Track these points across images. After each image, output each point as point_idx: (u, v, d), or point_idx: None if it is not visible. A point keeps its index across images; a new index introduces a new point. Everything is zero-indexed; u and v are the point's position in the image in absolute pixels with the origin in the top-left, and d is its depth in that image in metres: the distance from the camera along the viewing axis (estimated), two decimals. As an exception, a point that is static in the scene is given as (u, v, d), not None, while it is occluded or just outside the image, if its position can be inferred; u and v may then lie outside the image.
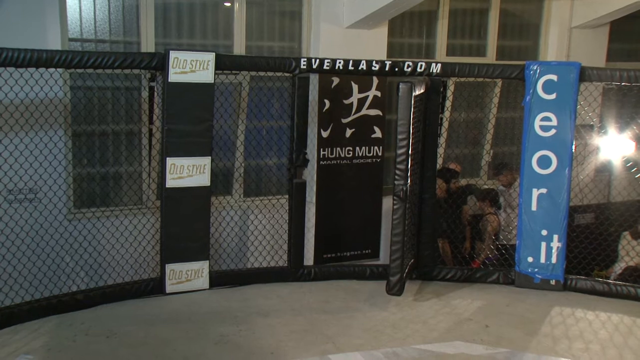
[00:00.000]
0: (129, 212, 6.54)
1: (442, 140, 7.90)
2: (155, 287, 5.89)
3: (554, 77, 6.19)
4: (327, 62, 6.19)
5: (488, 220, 7.45)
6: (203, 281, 6.04)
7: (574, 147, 6.24)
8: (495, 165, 8.10)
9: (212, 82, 5.81)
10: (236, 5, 7.13)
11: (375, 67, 6.31)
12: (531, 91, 6.24)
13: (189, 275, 5.96)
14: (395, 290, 5.64)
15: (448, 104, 7.99)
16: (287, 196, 6.49)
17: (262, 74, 6.54)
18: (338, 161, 7.03)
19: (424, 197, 6.47)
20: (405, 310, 5.71)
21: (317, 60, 6.17)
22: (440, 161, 7.08)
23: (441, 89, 6.60)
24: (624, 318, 5.66)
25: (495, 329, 5.36)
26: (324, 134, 6.94)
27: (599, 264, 6.84)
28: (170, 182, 5.76)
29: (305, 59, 6.15)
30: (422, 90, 5.86)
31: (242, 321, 5.36)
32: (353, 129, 7.08)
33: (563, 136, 6.19)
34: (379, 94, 7.19)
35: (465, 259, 7.29)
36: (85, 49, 6.56)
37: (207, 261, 6.04)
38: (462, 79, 7.42)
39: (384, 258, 7.22)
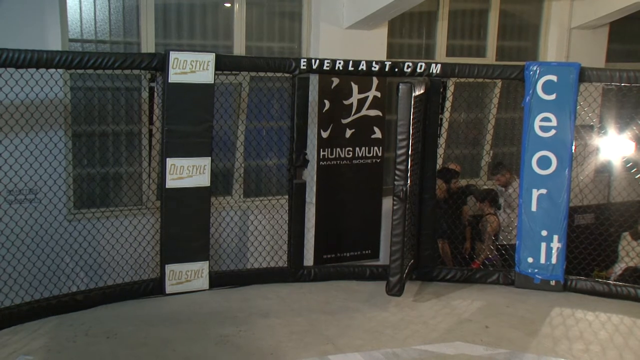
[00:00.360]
0: (129, 213, 6.54)
1: (442, 141, 7.91)
2: (155, 287, 5.89)
3: (554, 78, 6.19)
4: (327, 63, 6.19)
5: (488, 220, 7.45)
6: (203, 282, 6.03)
7: (573, 147, 6.24)
8: (493, 166, 8.11)
9: (212, 82, 5.81)
10: (236, 5, 7.14)
11: (375, 67, 6.31)
12: (531, 92, 6.24)
13: (188, 276, 5.96)
14: (395, 290, 5.64)
15: (448, 104, 7.99)
16: (287, 197, 6.49)
17: (262, 74, 6.54)
18: (338, 162, 7.04)
19: (424, 198, 6.47)
20: (405, 310, 5.71)
21: (317, 61, 6.18)
22: (440, 161, 7.08)
23: (441, 90, 6.61)
24: (624, 319, 5.66)
25: (496, 329, 5.36)
26: (324, 135, 6.95)
27: (599, 264, 6.84)
28: (170, 183, 5.76)
29: (305, 60, 6.15)
30: (422, 91, 5.86)
31: (242, 322, 5.36)
32: (353, 130, 7.08)
33: (563, 137, 6.19)
34: (378, 94, 7.19)
35: (465, 259, 7.28)
36: (86, 49, 6.56)
37: (207, 262, 6.04)
38: (462, 80, 7.43)
39: (383, 258, 7.22)
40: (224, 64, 5.89)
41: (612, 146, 7.95)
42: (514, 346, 5.04)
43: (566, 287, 6.30)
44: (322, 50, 7.27)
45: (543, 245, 6.28)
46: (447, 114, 7.94)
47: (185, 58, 5.65)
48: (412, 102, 5.41)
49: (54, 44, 6.15)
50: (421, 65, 6.32)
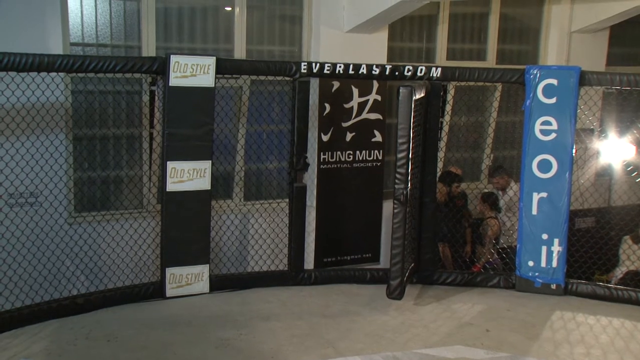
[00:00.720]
0: (130, 216, 6.55)
1: (442, 144, 7.91)
2: (155, 291, 5.89)
3: (554, 81, 6.19)
4: (328, 66, 6.19)
5: (488, 224, 7.45)
6: (203, 285, 6.03)
7: (574, 151, 6.24)
8: (491, 169, 8.12)
9: (213, 86, 5.82)
10: (237, 9, 7.15)
11: (375, 71, 6.32)
12: (531, 95, 6.25)
13: (189, 279, 5.96)
14: (396, 294, 5.63)
15: (448, 108, 8.01)
16: (287, 200, 6.49)
17: (262, 78, 6.55)
18: (338, 165, 7.04)
19: (425, 201, 6.47)
20: (406, 314, 5.71)
21: (318, 65, 6.18)
22: (440, 165, 7.08)
23: (441, 93, 6.61)
24: (625, 322, 5.66)
25: (496, 333, 5.36)
26: (325, 138, 6.96)
27: (599, 268, 6.83)
28: (170, 186, 5.77)
29: (306, 63, 6.16)
30: (422, 95, 5.87)
31: (243, 325, 5.35)
32: (353, 133, 7.09)
33: (563, 140, 6.19)
34: (379, 98, 7.20)
35: (466, 263, 7.28)
36: (87, 53, 6.58)
37: (208, 265, 6.04)
38: (463, 83, 7.43)
39: (384, 262, 7.22)
40: (224, 67, 5.90)
41: (612, 150, 7.96)
42: (515, 350, 5.03)
43: (567, 291, 6.29)
44: (323, 53, 7.29)
45: (544, 248, 6.27)
46: (447, 118, 7.95)
47: (186, 61, 5.66)
48: (413, 106, 5.41)
49: (55, 47, 6.17)
50: (421, 69, 6.32)
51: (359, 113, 7.11)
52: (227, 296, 6.06)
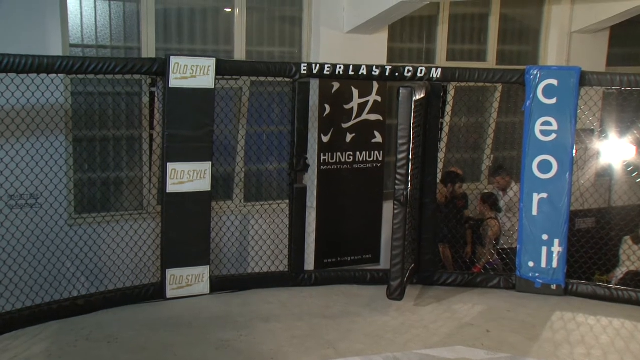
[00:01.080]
0: (130, 217, 6.55)
1: (442, 145, 7.91)
2: (155, 292, 5.89)
3: (555, 82, 6.19)
4: (328, 68, 6.19)
5: (489, 224, 7.45)
6: (204, 286, 6.03)
7: (574, 151, 6.24)
8: (492, 169, 8.11)
9: (213, 87, 5.82)
10: (236, 10, 7.16)
11: (375, 72, 6.32)
12: (531, 96, 6.25)
13: (189, 280, 5.96)
14: (396, 295, 5.63)
15: (448, 108, 8.00)
16: (287, 201, 6.49)
17: (262, 79, 6.55)
18: (339, 166, 7.04)
19: (425, 202, 6.47)
20: (406, 315, 5.71)
21: (318, 66, 6.18)
22: (440, 166, 7.08)
23: (441, 94, 6.61)
24: (625, 323, 5.65)
25: (497, 333, 5.35)
26: (325, 139, 6.95)
27: (600, 268, 6.84)
28: (170, 188, 5.77)
29: (306, 64, 6.16)
30: (422, 95, 5.87)
31: (243, 326, 5.35)
32: (353, 134, 7.09)
33: (563, 141, 6.19)
34: (379, 98, 7.20)
35: (466, 263, 7.28)
36: (86, 54, 6.59)
37: (208, 266, 6.04)
38: (463, 84, 7.43)
39: (384, 263, 7.22)
40: (224, 68, 5.90)
41: (612, 150, 7.96)
42: (515, 351, 5.03)
43: (567, 291, 6.29)
44: (323, 54, 7.29)
45: (544, 249, 6.27)
46: (447, 118, 7.95)
47: (185, 63, 5.66)
48: (413, 107, 5.42)
49: (55, 49, 6.17)
50: (422, 70, 6.32)
51: (359, 114, 7.12)
52: (227, 297, 6.06)
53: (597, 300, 6.18)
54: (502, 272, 6.92)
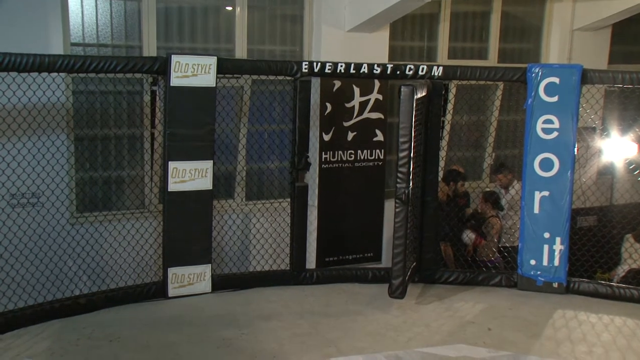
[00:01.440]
0: (131, 216, 6.56)
1: (443, 144, 7.90)
2: (157, 291, 5.89)
3: (556, 80, 6.18)
4: (329, 66, 6.19)
5: (490, 222, 7.44)
6: (205, 285, 6.04)
7: (576, 149, 6.24)
8: (496, 166, 8.10)
9: (214, 85, 5.82)
10: (238, 9, 7.15)
11: (376, 70, 6.31)
12: (533, 94, 6.24)
13: (191, 279, 5.97)
14: (398, 293, 5.63)
15: (450, 106, 7.99)
16: (289, 199, 6.49)
17: (263, 77, 6.55)
18: (340, 164, 7.03)
19: (426, 200, 6.46)
20: (408, 313, 5.71)
21: (319, 64, 6.18)
22: (442, 164, 7.07)
23: (443, 92, 6.60)
24: (627, 321, 5.65)
25: (498, 332, 5.35)
26: (326, 137, 6.95)
27: (601, 266, 6.83)
28: (172, 186, 5.77)
29: (307, 63, 6.15)
30: (423, 94, 5.86)
31: (245, 325, 5.36)
32: (355, 132, 7.08)
33: (565, 139, 6.18)
34: (380, 97, 7.19)
35: (467, 261, 7.27)
36: (88, 53, 6.58)
37: (210, 265, 6.04)
38: (464, 82, 7.42)
39: (386, 261, 7.21)
40: (225, 67, 5.90)
41: (614, 148, 7.94)
42: (517, 349, 5.03)
43: (569, 289, 6.29)
44: (324, 53, 7.28)
45: (545, 247, 6.27)
46: (449, 117, 7.94)
47: (187, 61, 5.66)
48: (414, 105, 5.41)
49: (56, 48, 6.17)
50: (423, 68, 6.32)
51: (361, 112, 7.10)
52: (229, 296, 6.07)
53: (599, 298, 6.18)
54: (504, 270, 6.91)
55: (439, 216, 6.80)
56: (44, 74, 5.28)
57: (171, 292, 5.90)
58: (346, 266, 6.99)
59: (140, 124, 6.79)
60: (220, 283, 6.15)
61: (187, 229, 5.88)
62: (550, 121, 6.21)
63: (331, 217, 7.02)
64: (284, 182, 7.09)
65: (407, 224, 5.56)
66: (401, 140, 5.43)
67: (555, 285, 6.28)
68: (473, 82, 7.04)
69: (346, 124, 7.04)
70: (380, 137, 7.23)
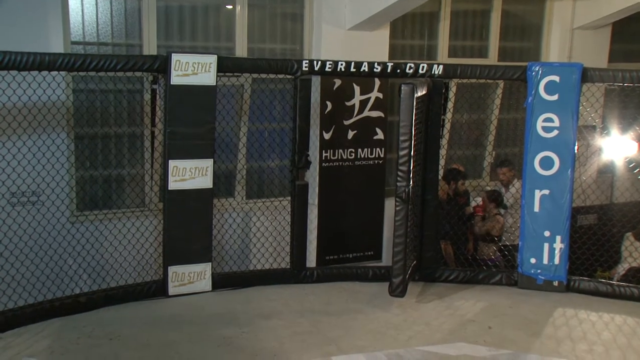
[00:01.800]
0: (132, 215, 6.55)
1: (444, 142, 7.90)
2: (157, 289, 5.89)
3: (556, 78, 6.18)
4: (329, 64, 6.19)
5: (492, 220, 7.43)
6: (205, 283, 6.04)
7: (576, 148, 6.23)
8: (499, 161, 8.11)
9: (214, 84, 5.81)
10: (238, 7, 7.14)
11: (377, 68, 6.31)
12: (533, 92, 6.24)
13: (191, 278, 5.97)
14: (398, 291, 5.63)
15: (450, 105, 7.99)
16: (289, 198, 6.49)
17: (264, 76, 6.55)
18: (340, 163, 7.04)
19: (427, 199, 6.46)
20: (408, 311, 5.71)
21: (319, 62, 6.18)
22: (442, 162, 7.07)
23: (443, 91, 6.60)
24: (627, 319, 5.65)
25: (498, 330, 5.36)
26: (326, 136, 6.95)
27: (602, 265, 6.83)
28: (172, 185, 5.77)
29: (307, 61, 6.15)
30: (424, 92, 5.86)
31: (245, 323, 5.36)
32: (355, 131, 7.08)
33: (565, 137, 6.18)
34: (380, 95, 7.19)
35: (468, 260, 7.28)
36: (88, 51, 6.58)
37: (210, 263, 6.04)
38: (464, 81, 7.42)
39: (386, 260, 7.21)
40: (226, 65, 5.90)
41: (614, 146, 7.94)
42: (517, 347, 5.03)
43: (569, 288, 6.29)
44: (324, 51, 7.28)
45: (546, 245, 6.27)
46: (449, 115, 7.94)
47: (187, 60, 5.66)
48: (415, 103, 5.41)
49: (56, 46, 6.16)
50: (423, 66, 6.31)
51: (361, 111, 7.11)
52: (229, 294, 6.07)
53: (599, 296, 6.18)
54: (504, 269, 6.91)
55: (439, 215, 6.80)
56: (44, 73, 5.27)
57: (171, 290, 5.90)
58: (346, 265, 6.99)
59: (140, 123, 6.79)
60: (221, 281, 6.15)
61: (188, 227, 5.88)
62: (550, 119, 6.21)
63: (331, 216, 7.02)
64: (284, 180, 7.09)
65: (408, 222, 5.56)
66: (401, 138, 5.43)
67: (556, 283, 6.28)
68: (473, 80, 7.04)
69: (346, 123, 7.04)
70: (380, 135, 7.23)
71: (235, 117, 7.02)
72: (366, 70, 6.29)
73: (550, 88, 6.19)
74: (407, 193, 5.46)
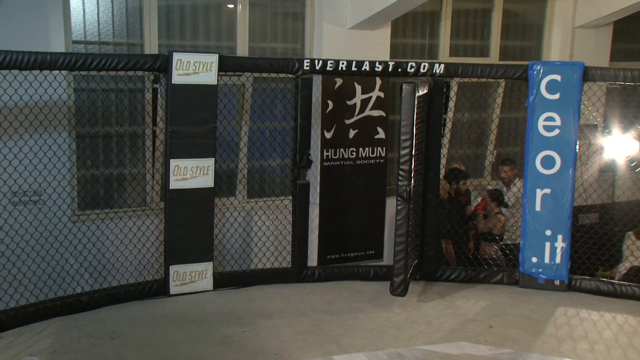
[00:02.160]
0: (133, 214, 6.55)
1: (445, 141, 7.90)
2: (159, 288, 5.90)
3: (558, 77, 6.18)
4: (330, 63, 6.19)
5: (494, 219, 7.43)
6: (207, 282, 6.04)
7: (577, 147, 6.23)
8: (502, 159, 8.11)
9: (216, 83, 5.82)
10: (239, 6, 7.14)
11: (378, 67, 6.31)
12: (535, 91, 6.24)
13: (192, 277, 5.97)
14: (399, 290, 5.64)
15: (451, 104, 7.99)
16: (290, 197, 6.49)
17: (265, 75, 6.55)
18: (341, 162, 7.04)
19: (428, 198, 6.46)
20: (409, 311, 5.71)
21: (320, 62, 6.18)
22: (443, 162, 7.07)
23: (444, 90, 6.60)
24: (628, 318, 5.65)
25: (500, 329, 5.36)
26: (327, 135, 6.95)
27: (603, 264, 6.83)
28: (174, 184, 5.77)
29: (309, 60, 6.15)
30: (425, 91, 5.86)
31: (246, 322, 5.36)
32: (356, 130, 7.08)
33: (567, 136, 6.18)
34: (382, 94, 7.19)
35: (469, 259, 7.28)
36: (89, 51, 6.57)
37: (211, 262, 6.05)
38: (466, 80, 7.42)
39: (387, 259, 7.22)
40: (227, 65, 5.90)
41: (616, 145, 7.94)
42: (518, 346, 5.03)
43: (570, 287, 6.29)
44: (325, 50, 7.28)
45: (547, 245, 6.27)
46: (450, 114, 7.93)
47: (188, 59, 5.66)
48: (416, 102, 5.41)
49: (58, 45, 6.16)
50: (424, 65, 6.31)
51: (362, 110, 7.11)
52: (230, 293, 6.07)
53: (600, 295, 6.18)
54: (505, 268, 6.91)
55: (441, 214, 6.80)
56: (46, 72, 5.28)
57: (173, 289, 5.91)
58: (348, 264, 7.00)
59: (141, 122, 6.79)
60: (222, 281, 6.15)
61: (189, 226, 5.88)
62: (551, 119, 6.21)
63: (333, 215, 7.03)
64: (285, 179, 7.09)
65: (409, 221, 5.56)
66: (403, 137, 5.43)
67: (557, 282, 6.28)
68: (474, 79, 7.03)
69: (348, 122, 7.04)
70: (381, 134, 7.23)
71: (237, 116, 7.02)
72: (367, 69, 6.29)
73: (551, 87, 6.19)
74: (409, 192, 5.46)
